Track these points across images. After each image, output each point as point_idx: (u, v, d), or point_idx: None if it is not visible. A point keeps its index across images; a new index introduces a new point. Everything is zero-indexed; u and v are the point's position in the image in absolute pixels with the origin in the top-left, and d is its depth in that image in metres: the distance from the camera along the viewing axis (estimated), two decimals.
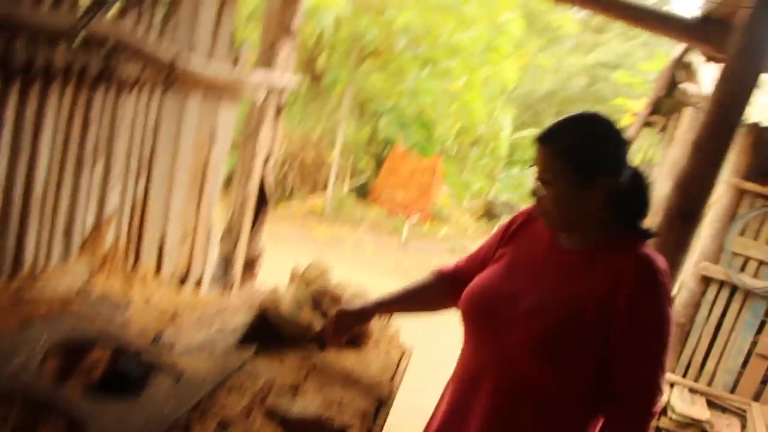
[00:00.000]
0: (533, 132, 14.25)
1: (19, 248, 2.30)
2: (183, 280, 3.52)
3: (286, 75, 4.10)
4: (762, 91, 6.49)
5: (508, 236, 1.80)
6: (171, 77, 2.67)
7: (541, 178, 1.58)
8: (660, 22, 3.82)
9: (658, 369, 1.52)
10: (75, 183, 2.49)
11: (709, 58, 3.87)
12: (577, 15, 16.02)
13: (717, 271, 6.04)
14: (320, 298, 2.70)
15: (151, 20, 2.69)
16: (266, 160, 4.21)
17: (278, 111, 4.16)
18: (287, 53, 4.05)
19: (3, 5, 1.89)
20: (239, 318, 2.47)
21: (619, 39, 15.58)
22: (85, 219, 2.60)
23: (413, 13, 8.47)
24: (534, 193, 1.62)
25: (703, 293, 6.23)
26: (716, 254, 6.19)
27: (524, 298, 1.60)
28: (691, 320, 6.25)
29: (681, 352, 6.34)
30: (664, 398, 5.75)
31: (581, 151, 1.55)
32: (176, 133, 3.06)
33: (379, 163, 11.46)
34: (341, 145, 10.26)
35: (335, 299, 2.71)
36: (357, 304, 1.89)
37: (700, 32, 3.69)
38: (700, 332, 6.25)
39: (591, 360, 1.54)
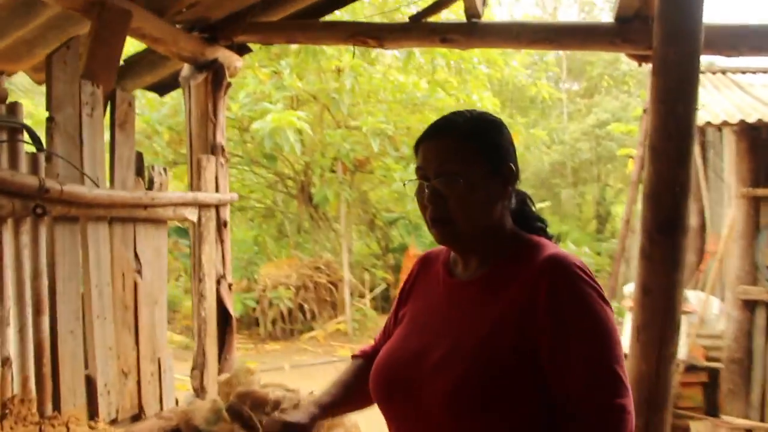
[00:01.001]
0: (547, 204, 14.04)
1: None
2: (135, 420, 3.22)
3: (220, 191, 3.98)
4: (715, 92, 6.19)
5: (406, 293, 1.54)
6: (39, 207, 2.50)
7: (444, 171, 1.31)
8: (578, 37, 3.63)
9: (610, 380, 1.20)
10: None
11: (641, 60, 3.63)
12: (562, 86, 16.14)
13: (758, 292, 5.50)
14: (241, 403, 2.37)
15: (15, 153, 2.58)
16: (219, 281, 4.00)
17: (220, 229, 4.00)
18: (215, 169, 3.95)
19: None
20: None
21: (611, 96, 15.52)
22: None
23: (381, 117, 8.50)
24: (430, 199, 1.33)
25: (751, 320, 5.62)
26: (751, 274, 5.65)
27: (429, 353, 1.32)
28: (748, 353, 5.60)
29: (749, 392, 5.64)
30: None
31: (486, 134, 1.36)
32: (80, 262, 2.88)
33: (397, 272, 11.20)
34: (351, 262, 10.06)
35: (259, 402, 2.39)
36: (298, 412, 1.51)
37: (619, 34, 3.48)
38: (763, 364, 5.59)
39: (526, 401, 1.24)
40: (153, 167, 3.49)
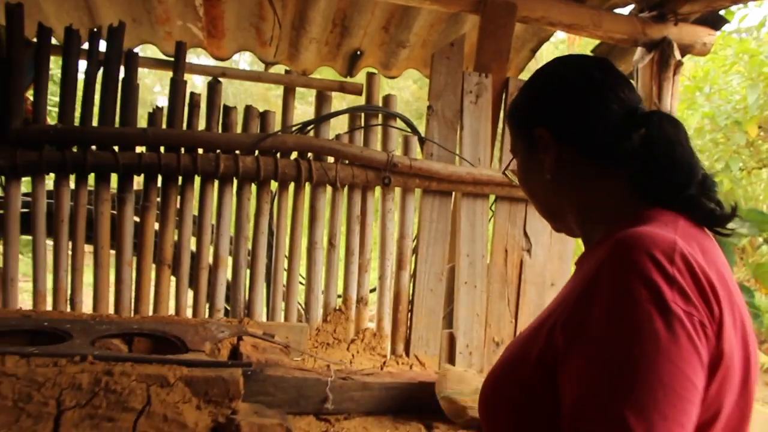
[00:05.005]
0: None
1: (251, 302, 3.03)
2: None
3: None
4: None
5: None
6: (387, 178, 3.05)
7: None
8: None
9: (605, 427, 0.77)
10: (309, 264, 3.08)
11: None
12: None
13: None
14: None
15: (387, 136, 3.21)
16: None
17: None
18: None
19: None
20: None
21: None
22: (329, 296, 3.11)
23: None
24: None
25: None
26: None
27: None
28: None
29: None
30: None
31: (521, 99, 1.14)
32: (449, 232, 3.27)
33: None
34: None
35: None
36: None
37: None
38: None
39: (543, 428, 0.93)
40: None
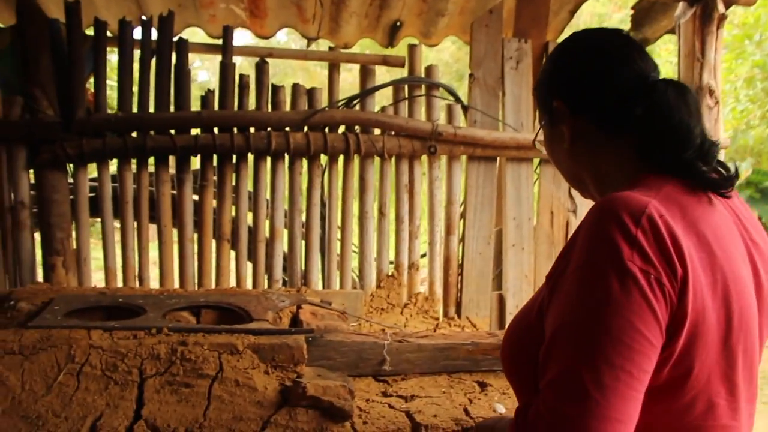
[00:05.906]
0: None
1: (307, 272, 3.19)
2: None
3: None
4: None
5: None
6: (432, 147, 3.14)
7: None
8: None
9: (565, 378, 0.86)
10: (361, 232, 3.21)
11: None
12: None
13: None
14: None
15: (431, 106, 3.27)
16: None
17: None
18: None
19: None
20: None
21: None
22: (381, 263, 3.23)
23: None
24: None
25: None
26: None
27: None
28: None
29: None
30: None
31: (542, 77, 1.25)
32: (495, 196, 3.34)
33: None
34: None
35: None
36: None
37: None
38: None
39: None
40: None
